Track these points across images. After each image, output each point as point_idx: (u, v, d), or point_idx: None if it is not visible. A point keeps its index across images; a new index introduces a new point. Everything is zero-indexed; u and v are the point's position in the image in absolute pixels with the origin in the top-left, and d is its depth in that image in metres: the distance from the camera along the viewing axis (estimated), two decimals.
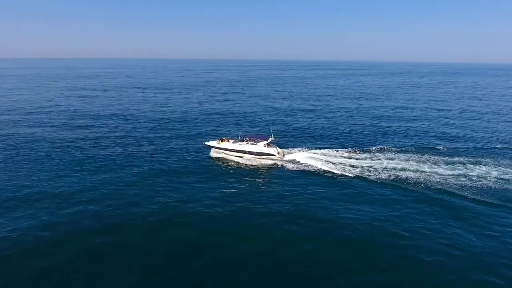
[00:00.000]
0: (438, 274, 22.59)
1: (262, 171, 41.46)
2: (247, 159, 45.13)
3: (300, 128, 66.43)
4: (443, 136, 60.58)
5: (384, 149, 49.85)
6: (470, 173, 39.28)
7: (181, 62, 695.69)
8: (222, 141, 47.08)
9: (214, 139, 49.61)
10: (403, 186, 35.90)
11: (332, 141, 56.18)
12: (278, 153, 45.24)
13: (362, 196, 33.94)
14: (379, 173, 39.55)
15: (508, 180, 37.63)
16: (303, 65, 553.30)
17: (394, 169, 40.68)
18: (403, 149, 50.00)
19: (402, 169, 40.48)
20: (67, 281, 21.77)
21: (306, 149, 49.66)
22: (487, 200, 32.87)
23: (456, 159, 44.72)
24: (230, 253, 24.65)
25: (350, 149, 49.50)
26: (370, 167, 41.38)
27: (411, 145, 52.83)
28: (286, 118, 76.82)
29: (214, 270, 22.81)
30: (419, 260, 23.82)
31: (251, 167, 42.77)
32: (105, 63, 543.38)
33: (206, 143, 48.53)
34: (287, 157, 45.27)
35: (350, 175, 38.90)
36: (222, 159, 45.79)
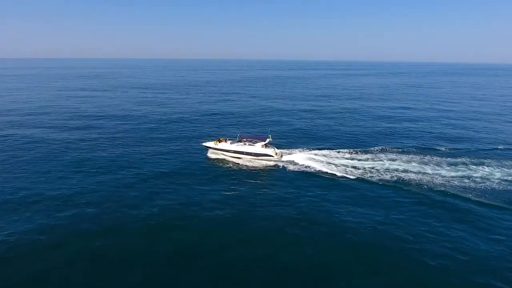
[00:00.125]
0: (442, 277, 22.19)
1: (263, 173, 41.05)
2: (246, 160, 44.74)
3: (301, 129, 66.04)
4: (445, 137, 60.20)
5: (386, 149, 49.46)
6: (474, 175, 38.88)
7: (181, 62, 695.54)
8: (219, 142, 46.71)
9: (213, 140, 49.24)
10: (405, 188, 35.49)
11: (333, 142, 55.78)
12: (276, 153, 44.90)
13: (364, 198, 33.51)
14: (381, 174, 39.14)
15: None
16: (303, 65, 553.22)
17: (396, 170, 40.28)
18: (405, 149, 49.62)
19: (404, 171, 40.07)
20: (65, 284, 21.41)
21: (307, 150, 49.26)
22: (492, 202, 32.43)
23: (459, 160, 44.33)
24: (230, 256, 24.25)
25: (351, 149, 49.10)
26: (372, 168, 40.96)
27: (412, 146, 52.48)
28: (286, 119, 76.42)
29: (214, 273, 22.44)
30: (423, 264, 23.41)
31: (251, 168, 42.36)
32: (105, 63, 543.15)
33: (204, 143, 48.17)
34: (287, 158, 44.87)
35: (352, 177, 38.47)
36: (222, 160, 45.38)
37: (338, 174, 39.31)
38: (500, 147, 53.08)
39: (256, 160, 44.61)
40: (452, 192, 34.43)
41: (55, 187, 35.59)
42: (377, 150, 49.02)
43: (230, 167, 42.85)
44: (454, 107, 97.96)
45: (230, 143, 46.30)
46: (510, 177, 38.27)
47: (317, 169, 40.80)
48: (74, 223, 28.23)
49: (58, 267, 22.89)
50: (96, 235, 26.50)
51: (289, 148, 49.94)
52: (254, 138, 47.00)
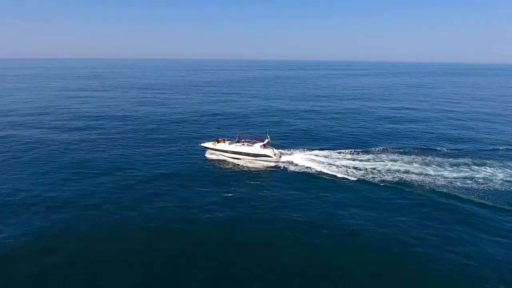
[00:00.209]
0: (445, 281, 21.90)
1: (263, 174, 40.75)
2: (247, 161, 44.44)
3: (301, 129, 65.74)
4: (446, 137, 59.89)
5: (387, 150, 49.19)
6: (476, 175, 38.63)
7: (181, 62, 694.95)
8: (218, 142, 46.41)
9: (212, 141, 48.92)
10: (407, 189, 35.19)
11: (334, 142, 55.47)
12: (275, 154, 44.60)
13: (366, 200, 33.20)
14: (383, 175, 38.86)
15: None
16: (303, 65, 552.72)
17: (398, 171, 40.00)
18: (406, 150, 49.33)
19: (406, 172, 39.79)
20: (65, 284, 21.21)
21: (308, 150, 48.95)
22: (495, 204, 32.10)
23: (461, 160, 44.06)
24: (230, 259, 23.96)
25: (352, 150, 48.82)
26: (374, 169, 40.68)
27: (414, 146, 52.19)
28: (287, 119, 76.10)
29: (214, 276, 22.18)
30: (426, 267, 23.13)
31: (252, 169, 42.07)
32: (105, 63, 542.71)
33: (202, 144, 47.85)
34: (288, 159, 44.56)
35: (353, 178, 38.17)
36: (222, 161, 45.08)
37: (339, 175, 39.01)
38: (501, 147, 52.81)
39: (256, 161, 44.31)
40: (455, 193, 34.13)
41: (55, 188, 35.30)
42: (378, 151, 48.74)
43: (231, 168, 42.56)
44: (455, 107, 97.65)
45: (229, 144, 46.02)
46: None
47: (318, 170, 40.49)
48: (73, 225, 27.96)
49: (57, 269, 22.65)
50: (95, 237, 26.25)
51: (290, 149, 49.63)
52: (253, 139, 46.70)
